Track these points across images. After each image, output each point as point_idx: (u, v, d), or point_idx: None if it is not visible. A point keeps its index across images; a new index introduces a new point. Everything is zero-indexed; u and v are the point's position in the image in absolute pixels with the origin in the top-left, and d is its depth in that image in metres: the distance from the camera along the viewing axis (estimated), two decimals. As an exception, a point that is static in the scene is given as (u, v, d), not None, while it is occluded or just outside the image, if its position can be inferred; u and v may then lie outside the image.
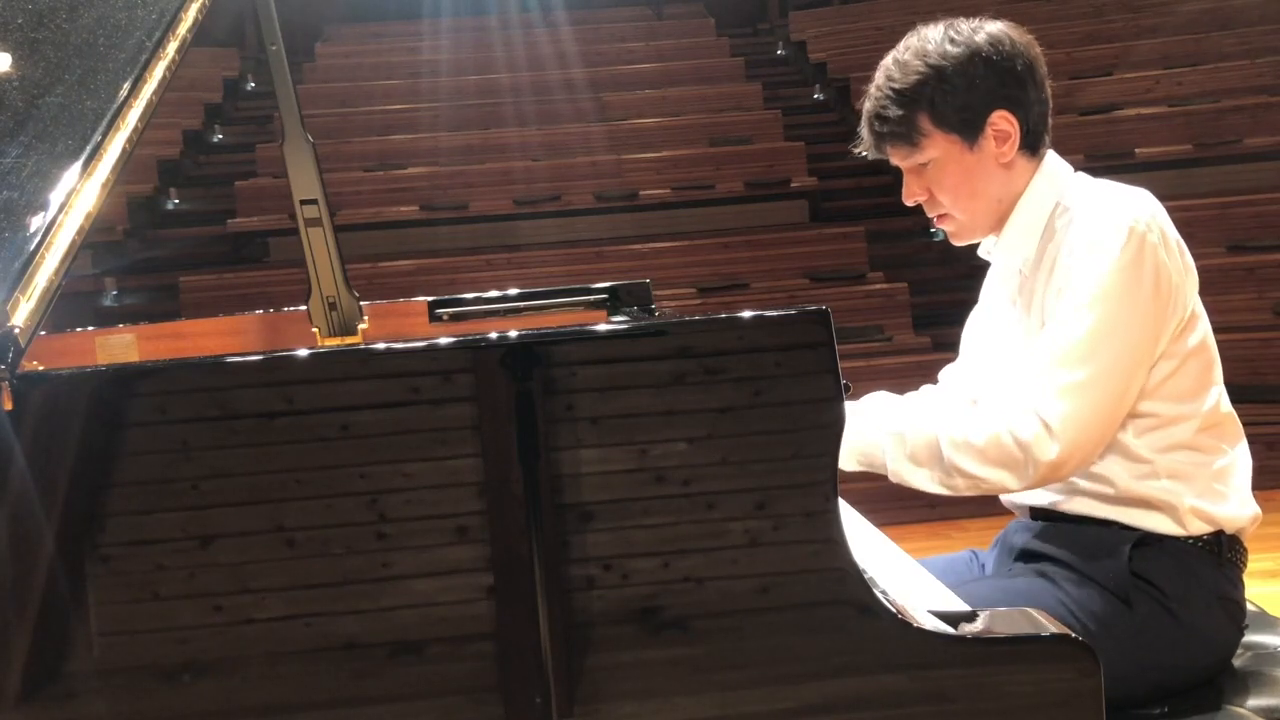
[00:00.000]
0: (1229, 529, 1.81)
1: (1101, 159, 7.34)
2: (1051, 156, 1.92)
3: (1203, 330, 1.84)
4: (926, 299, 7.47)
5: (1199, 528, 1.80)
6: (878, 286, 7.46)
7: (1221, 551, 1.81)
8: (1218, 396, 1.84)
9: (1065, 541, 1.84)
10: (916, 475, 1.78)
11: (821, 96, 10.88)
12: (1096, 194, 1.84)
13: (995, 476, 1.74)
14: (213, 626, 1.29)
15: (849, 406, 1.83)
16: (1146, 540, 1.79)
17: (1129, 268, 1.74)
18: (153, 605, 1.29)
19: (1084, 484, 1.83)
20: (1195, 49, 9.26)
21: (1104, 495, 1.82)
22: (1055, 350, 1.75)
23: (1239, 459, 1.85)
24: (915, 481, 1.79)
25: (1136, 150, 7.87)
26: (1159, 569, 1.77)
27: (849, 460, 1.83)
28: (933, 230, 8.64)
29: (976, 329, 2.10)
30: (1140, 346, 1.75)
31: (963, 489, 1.78)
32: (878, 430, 1.81)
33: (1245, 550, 1.86)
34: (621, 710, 1.33)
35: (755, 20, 13.15)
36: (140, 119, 1.54)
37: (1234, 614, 1.82)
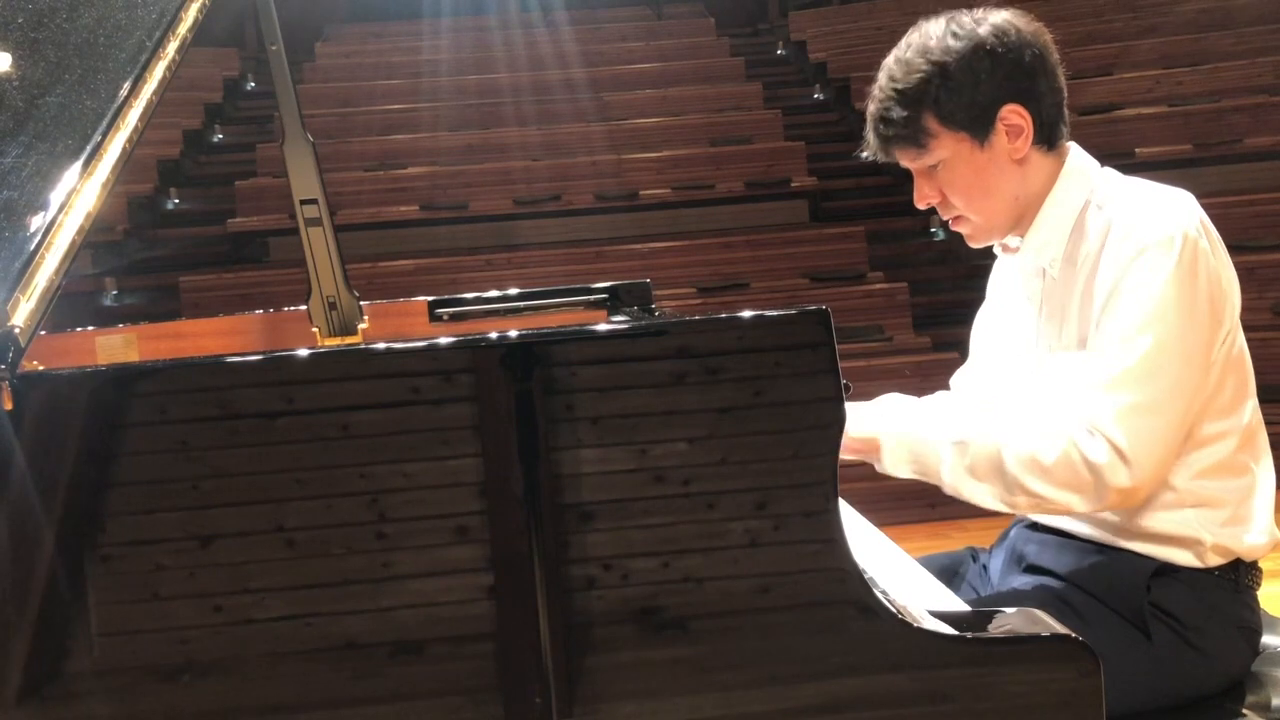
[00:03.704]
0: (1248, 558, 1.78)
1: (1101, 159, 7.30)
2: (1076, 151, 1.85)
3: (1240, 340, 1.78)
4: (926, 299, 7.47)
5: (1218, 560, 1.75)
6: (878, 286, 7.45)
7: (1240, 579, 1.77)
8: (1252, 407, 1.79)
9: (1080, 564, 1.80)
10: (976, 490, 1.70)
11: (821, 96, 10.88)
12: (1137, 195, 1.76)
13: (1062, 498, 1.66)
14: (213, 626, 1.29)
15: (903, 412, 1.79)
16: (1164, 570, 1.74)
17: (1185, 279, 1.67)
18: (153, 605, 1.29)
19: (1102, 514, 1.77)
20: (1195, 49, 9.26)
21: (1115, 526, 1.78)
22: (1115, 369, 1.66)
23: (1261, 481, 1.80)
24: (973, 496, 1.71)
25: (1136, 150, 7.88)
26: (1178, 600, 1.73)
27: (902, 467, 1.75)
28: (933, 230, 8.68)
29: (988, 329, 2.03)
30: (1199, 360, 1.69)
31: (1024, 507, 1.71)
32: (937, 438, 1.72)
33: (1260, 571, 1.82)
34: (621, 710, 1.33)
35: (755, 20, 13.16)
36: (140, 119, 1.54)
37: (1250, 639, 1.79)
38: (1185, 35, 9.51)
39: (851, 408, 1.79)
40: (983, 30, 1.78)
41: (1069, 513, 1.73)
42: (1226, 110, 8.31)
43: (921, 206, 1.89)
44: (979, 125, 1.78)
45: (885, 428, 1.77)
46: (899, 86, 1.80)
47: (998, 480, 1.68)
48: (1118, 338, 1.68)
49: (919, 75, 1.78)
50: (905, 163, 1.86)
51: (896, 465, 1.76)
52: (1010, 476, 1.67)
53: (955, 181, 1.82)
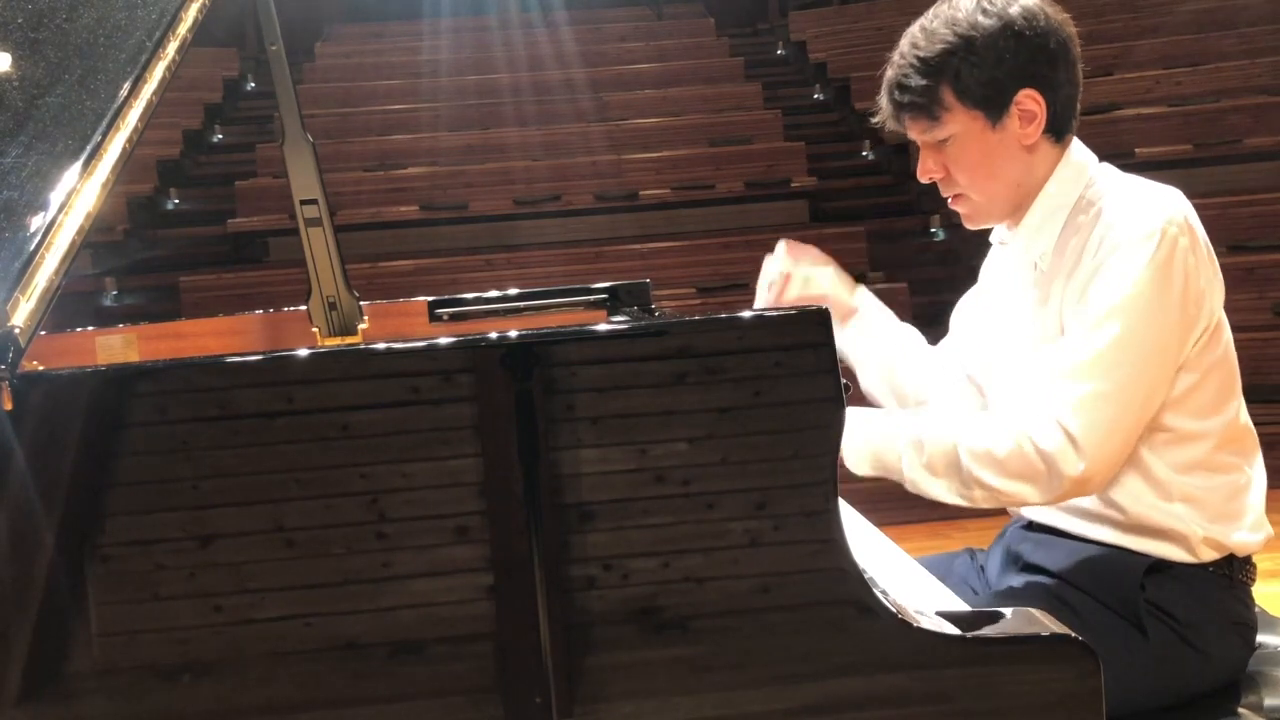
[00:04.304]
0: (1240, 554, 1.78)
1: (1101, 159, 7.31)
2: (1077, 146, 1.85)
3: (1225, 341, 1.78)
4: (926, 299, 7.45)
5: (1211, 555, 1.76)
6: (878, 286, 7.40)
7: (1234, 574, 1.77)
8: (1237, 409, 1.79)
9: (1076, 562, 1.80)
10: (934, 485, 1.71)
11: (821, 96, 10.88)
12: (1126, 191, 1.77)
13: (1016, 490, 1.67)
14: (213, 626, 1.29)
15: (862, 412, 1.79)
16: (1159, 567, 1.75)
17: (1158, 273, 1.67)
18: (153, 605, 1.29)
19: (1093, 508, 1.79)
20: (1195, 49, 9.26)
21: (1114, 521, 1.78)
22: (1077, 357, 1.68)
23: (1254, 478, 1.80)
24: (932, 491, 1.72)
25: (1136, 150, 7.87)
26: (1173, 597, 1.73)
27: (862, 465, 1.77)
28: (933, 230, 8.68)
29: (972, 312, 2.04)
30: (1165, 355, 1.69)
31: (980, 501, 1.71)
32: (894, 436, 1.74)
33: (1255, 566, 1.82)
34: (621, 710, 1.33)
35: (755, 20, 13.16)
36: (140, 119, 1.54)
37: (1246, 636, 1.80)
38: (1185, 35, 9.52)
39: None
40: (1013, 10, 1.77)
41: (1025, 504, 1.75)
42: (1226, 110, 8.31)
43: (924, 180, 1.88)
44: (994, 105, 1.78)
45: (846, 429, 1.77)
46: (921, 54, 1.79)
47: (954, 475, 1.70)
48: (1085, 326, 1.70)
49: (943, 45, 1.77)
50: (914, 134, 1.85)
51: (858, 464, 1.77)
52: (965, 471, 1.68)
53: (962, 159, 1.81)
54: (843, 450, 1.75)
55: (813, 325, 1.34)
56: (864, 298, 2.13)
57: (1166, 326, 1.69)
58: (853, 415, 1.77)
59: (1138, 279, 1.67)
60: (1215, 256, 1.77)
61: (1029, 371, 1.82)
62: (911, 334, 2.15)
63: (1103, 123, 8.24)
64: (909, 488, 1.74)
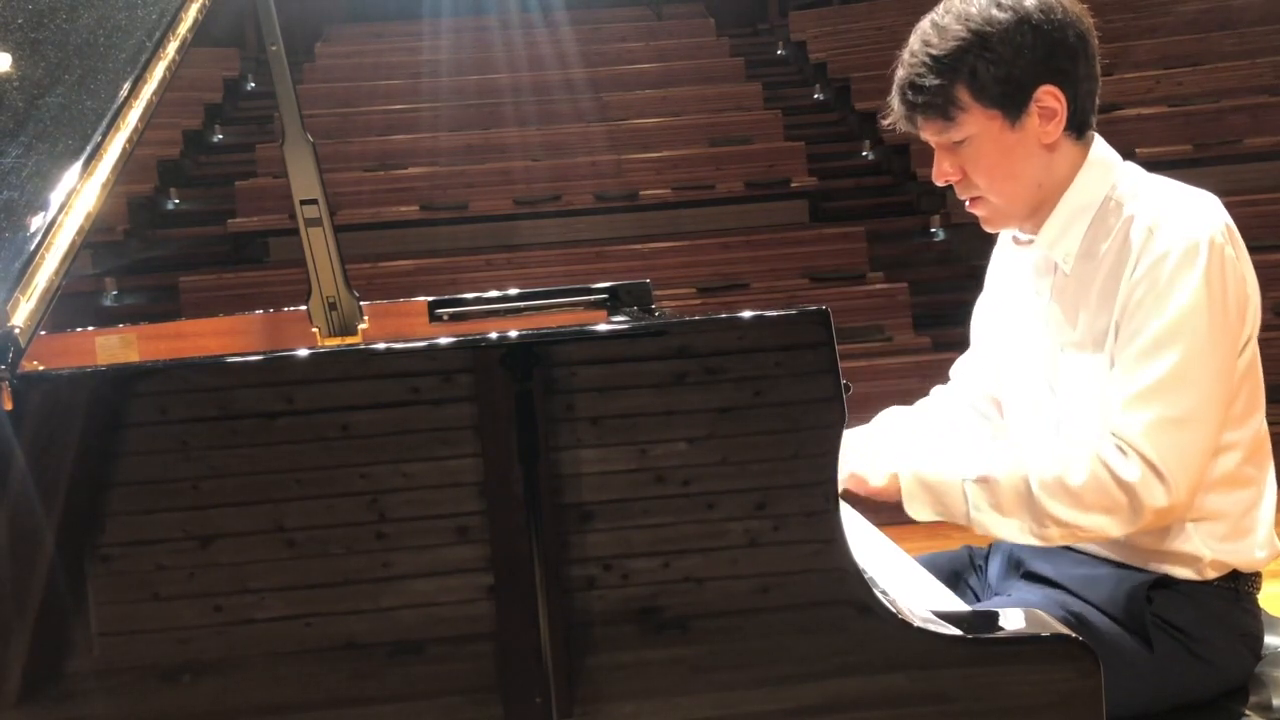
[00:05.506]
0: (1246, 570, 1.75)
1: (1101, 159, 7.31)
2: (1099, 144, 1.79)
3: (1255, 348, 1.72)
4: (926, 299, 7.46)
5: (1215, 574, 1.72)
6: (878, 286, 7.45)
7: (1239, 587, 1.74)
8: (1261, 418, 1.75)
9: (1080, 573, 1.76)
10: (1004, 526, 1.63)
11: (821, 96, 10.87)
12: (1163, 197, 1.71)
13: (1096, 523, 1.60)
14: (213, 626, 1.29)
15: (915, 455, 1.72)
16: (1165, 582, 1.71)
17: (1212, 287, 1.62)
18: (153, 605, 1.29)
19: None
20: (1195, 49, 9.27)
21: (1116, 543, 1.74)
22: (1141, 383, 1.61)
23: (1268, 491, 1.76)
24: (1001, 532, 1.64)
25: (1136, 150, 7.86)
26: (1179, 611, 1.70)
27: (923, 511, 1.68)
28: (933, 230, 8.66)
29: (987, 318, 1.98)
30: (1227, 369, 1.64)
31: (1057, 539, 1.64)
32: (957, 476, 1.66)
33: (1260, 577, 1.79)
34: (621, 710, 1.33)
35: (755, 20, 13.17)
36: (140, 119, 1.54)
37: (1252, 645, 1.77)
38: (1185, 35, 9.52)
39: (860, 449, 1.74)
40: (1029, 3, 1.69)
41: (1103, 538, 1.67)
42: (1226, 110, 8.31)
43: (940, 183, 1.81)
44: (1013, 103, 1.70)
45: (903, 470, 1.70)
46: (934, 52, 1.71)
47: (1025, 512, 1.62)
48: (1144, 349, 1.63)
49: (956, 42, 1.69)
50: (928, 135, 1.77)
51: (918, 510, 1.69)
52: (1038, 506, 1.61)
53: (980, 160, 1.74)
54: (903, 499, 1.68)
55: (813, 325, 1.34)
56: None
57: (1225, 341, 1.64)
58: (906, 460, 1.71)
59: (1192, 297, 1.61)
60: (1249, 258, 1.72)
61: (1057, 377, 1.77)
62: (937, 421, 2.05)
63: (1103, 123, 8.08)
64: (976, 529, 1.66)
